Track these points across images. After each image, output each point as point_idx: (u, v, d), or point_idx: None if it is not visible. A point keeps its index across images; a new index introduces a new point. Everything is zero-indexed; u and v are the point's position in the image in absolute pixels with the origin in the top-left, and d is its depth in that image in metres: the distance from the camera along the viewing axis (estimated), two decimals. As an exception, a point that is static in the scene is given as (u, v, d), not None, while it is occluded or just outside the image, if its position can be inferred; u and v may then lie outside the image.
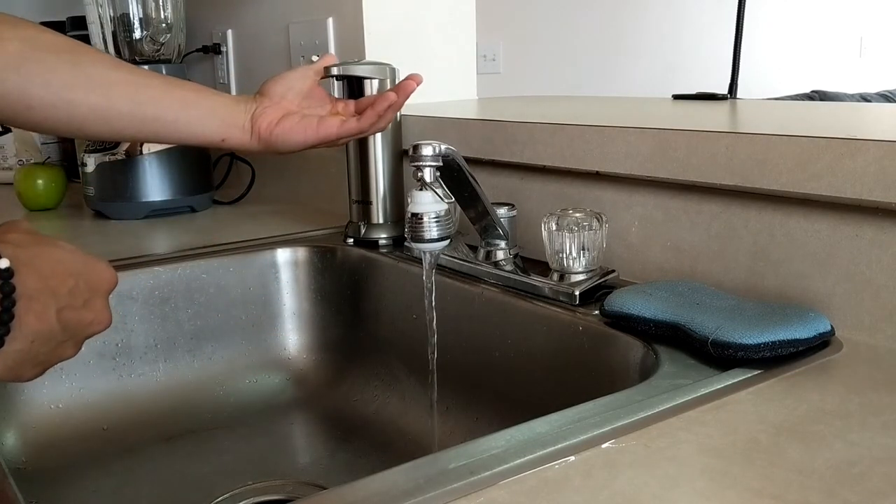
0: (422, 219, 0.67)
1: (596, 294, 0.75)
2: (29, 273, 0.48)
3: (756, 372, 0.57)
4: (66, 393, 0.86)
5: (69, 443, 0.84)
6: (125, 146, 1.21)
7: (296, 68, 0.84)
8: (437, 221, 0.67)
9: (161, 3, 1.24)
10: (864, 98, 3.30)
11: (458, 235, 0.85)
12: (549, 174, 0.88)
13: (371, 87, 0.95)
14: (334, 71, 0.97)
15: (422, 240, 0.68)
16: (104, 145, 1.22)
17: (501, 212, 0.83)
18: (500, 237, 0.83)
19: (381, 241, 0.99)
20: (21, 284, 0.47)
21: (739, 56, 1.30)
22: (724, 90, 1.26)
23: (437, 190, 0.67)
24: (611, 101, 1.24)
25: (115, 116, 0.72)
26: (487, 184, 0.91)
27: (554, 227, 0.76)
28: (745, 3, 1.30)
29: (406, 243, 0.91)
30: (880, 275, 0.62)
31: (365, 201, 0.99)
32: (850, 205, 0.62)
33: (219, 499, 0.78)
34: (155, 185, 1.22)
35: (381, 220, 0.99)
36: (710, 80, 1.50)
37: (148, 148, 1.21)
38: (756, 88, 2.69)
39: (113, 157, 1.21)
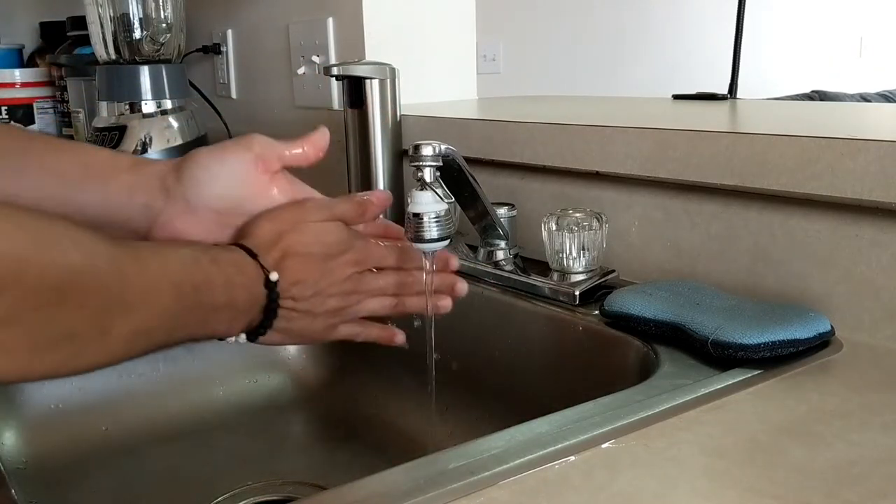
0: (422, 219, 0.67)
1: (596, 294, 0.75)
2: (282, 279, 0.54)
3: (756, 372, 0.57)
4: (66, 393, 0.86)
5: (69, 443, 0.84)
6: (125, 146, 1.21)
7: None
8: (437, 221, 0.67)
9: (161, 3, 1.24)
10: (864, 98, 3.30)
11: (458, 235, 0.85)
12: (549, 174, 0.88)
13: (371, 87, 0.95)
14: (334, 71, 0.97)
15: (422, 240, 0.68)
16: (104, 145, 1.22)
17: (501, 212, 0.83)
18: (500, 237, 0.83)
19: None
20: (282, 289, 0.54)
21: (739, 56, 1.30)
22: (725, 90, 1.26)
23: (437, 190, 0.67)
24: (611, 101, 1.24)
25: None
26: (487, 184, 0.91)
27: (554, 227, 0.76)
28: (745, 3, 1.30)
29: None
30: (880, 275, 0.62)
31: (365, 201, 0.99)
32: (850, 205, 0.62)
33: (219, 499, 0.78)
34: (155, 185, 1.22)
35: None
36: (710, 80, 1.50)
37: (149, 147, 1.21)
38: (756, 88, 2.69)
39: (113, 157, 1.21)
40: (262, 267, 0.53)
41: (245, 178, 0.57)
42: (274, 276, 0.53)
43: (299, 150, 0.60)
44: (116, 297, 0.43)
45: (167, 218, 0.56)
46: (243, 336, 0.56)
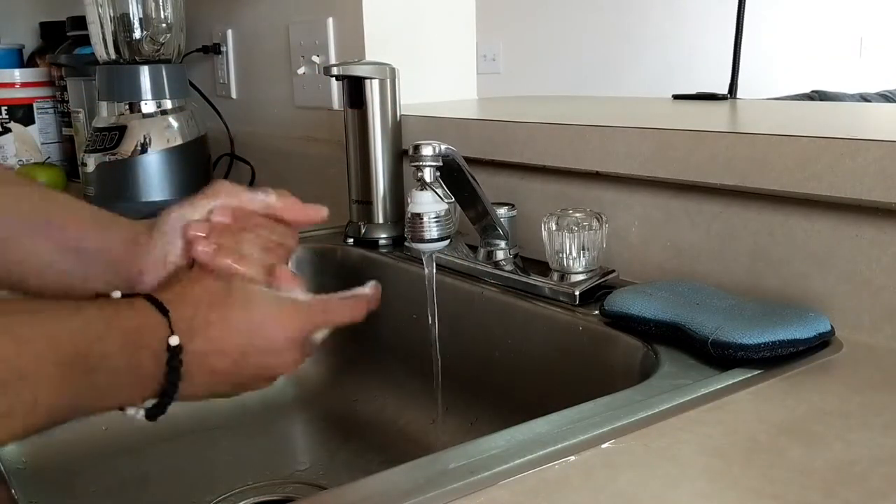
0: (422, 219, 0.67)
1: (596, 294, 0.75)
2: (199, 342, 0.47)
3: (756, 372, 0.57)
4: (66, 393, 0.86)
5: (69, 443, 0.84)
6: (125, 146, 1.21)
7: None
8: (437, 221, 0.67)
9: (161, 3, 1.24)
10: (864, 98, 3.30)
11: (458, 235, 0.85)
12: (549, 174, 0.88)
13: (371, 87, 0.95)
14: (334, 71, 0.97)
15: (422, 240, 0.68)
16: (104, 145, 1.22)
17: (501, 212, 0.83)
18: (500, 237, 0.83)
19: (381, 241, 0.99)
20: (188, 354, 0.46)
21: (739, 56, 1.30)
22: (724, 90, 1.26)
23: (437, 190, 0.68)
24: (611, 101, 1.24)
25: None
26: (487, 184, 0.91)
27: (554, 227, 0.76)
28: (745, 3, 1.30)
29: (406, 243, 0.91)
30: (880, 275, 0.62)
31: (365, 201, 0.99)
32: (850, 205, 0.62)
33: (219, 498, 0.78)
34: (155, 185, 1.22)
35: (381, 220, 0.99)
36: (710, 80, 1.50)
37: (149, 147, 1.21)
38: (756, 88, 2.68)
39: (113, 157, 1.21)
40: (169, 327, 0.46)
41: None
42: (174, 341, 0.46)
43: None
44: None
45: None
46: (141, 412, 0.48)
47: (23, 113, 1.57)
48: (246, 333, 0.49)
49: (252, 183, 1.34)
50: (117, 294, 0.47)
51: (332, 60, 1.19)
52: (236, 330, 0.49)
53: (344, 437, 0.90)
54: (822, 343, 0.61)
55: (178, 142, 1.24)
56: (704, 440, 0.48)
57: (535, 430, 0.49)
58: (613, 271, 0.77)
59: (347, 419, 0.92)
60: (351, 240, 1.01)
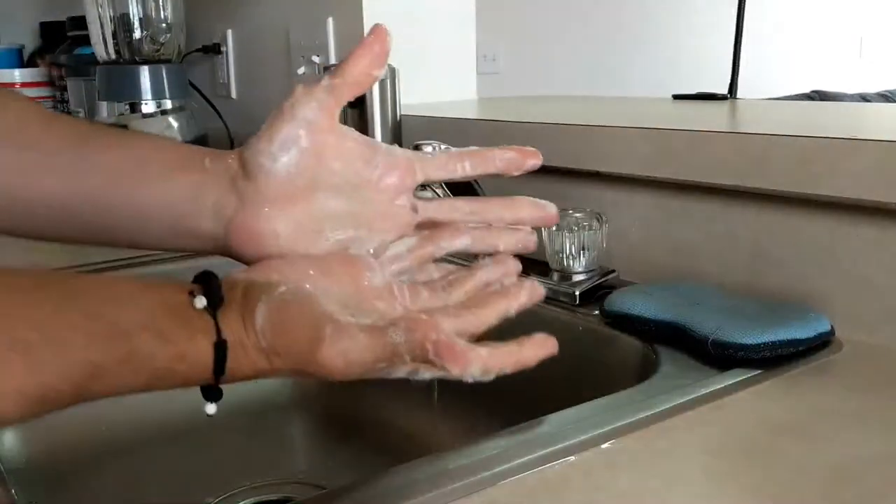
0: (422, 219, 0.67)
1: (596, 294, 0.75)
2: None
3: (756, 372, 0.57)
4: (66, 393, 0.86)
5: (69, 443, 0.84)
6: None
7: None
8: (437, 221, 0.67)
9: (161, 3, 1.24)
10: (864, 98, 3.30)
11: (458, 235, 0.85)
12: (549, 174, 0.87)
13: (371, 87, 0.95)
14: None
15: (422, 240, 0.68)
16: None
17: (501, 212, 0.83)
18: (500, 237, 0.83)
19: (381, 241, 0.98)
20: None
21: (739, 56, 1.30)
22: (724, 90, 1.26)
23: (437, 190, 0.68)
24: (611, 101, 1.24)
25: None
26: (487, 184, 0.91)
27: (554, 227, 0.76)
28: (745, 3, 1.30)
29: (406, 243, 0.91)
30: (880, 275, 0.62)
31: (365, 201, 0.99)
32: (850, 205, 0.62)
33: (219, 499, 0.78)
34: (155, 185, 1.22)
35: (381, 220, 0.99)
36: (710, 80, 1.50)
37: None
38: (756, 88, 2.68)
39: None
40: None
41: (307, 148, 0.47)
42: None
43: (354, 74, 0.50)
44: None
45: (242, 219, 0.47)
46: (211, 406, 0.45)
47: (23, 113, 1.57)
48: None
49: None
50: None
51: (332, 60, 1.19)
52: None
53: (344, 437, 0.90)
54: (822, 343, 0.61)
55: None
56: (704, 440, 0.48)
57: (535, 430, 0.49)
58: (613, 271, 0.77)
59: (347, 419, 0.92)
60: (351, 240, 1.00)
